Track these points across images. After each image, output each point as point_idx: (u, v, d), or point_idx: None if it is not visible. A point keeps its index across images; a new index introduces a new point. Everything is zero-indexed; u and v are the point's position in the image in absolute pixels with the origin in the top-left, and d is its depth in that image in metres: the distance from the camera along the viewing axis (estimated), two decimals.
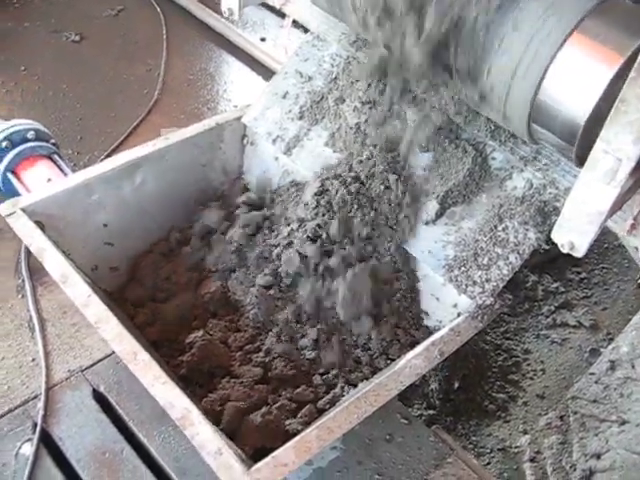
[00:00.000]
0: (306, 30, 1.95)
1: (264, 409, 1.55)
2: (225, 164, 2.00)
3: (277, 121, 1.92)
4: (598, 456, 2.19)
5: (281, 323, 1.68)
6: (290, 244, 1.71)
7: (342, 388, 1.60)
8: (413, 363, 1.46)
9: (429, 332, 1.69)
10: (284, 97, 1.93)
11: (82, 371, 1.98)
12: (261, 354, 1.66)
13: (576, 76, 1.29)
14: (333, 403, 1.57)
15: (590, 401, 2.32)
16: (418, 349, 1.51)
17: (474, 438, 2.15)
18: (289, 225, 1.74)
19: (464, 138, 1.69)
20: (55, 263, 1.58)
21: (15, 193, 2.27)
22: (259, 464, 1.27)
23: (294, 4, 1.89)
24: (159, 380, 1.37)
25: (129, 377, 1.99)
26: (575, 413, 2.30)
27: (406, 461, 1.70)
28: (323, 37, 1.91)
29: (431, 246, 1.68)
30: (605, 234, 2.44)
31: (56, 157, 2.34)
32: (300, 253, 1.70)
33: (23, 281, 2.28)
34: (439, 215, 1.68)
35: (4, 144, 2.27)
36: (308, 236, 1.69)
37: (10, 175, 2.27)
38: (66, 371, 1.98)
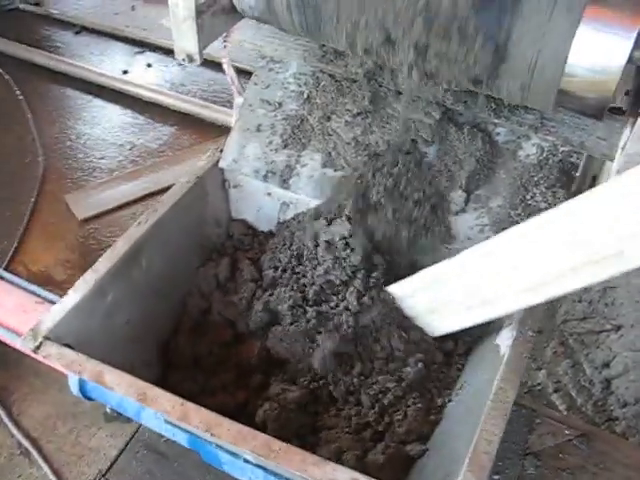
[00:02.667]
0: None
1: (380, 446, 1.52)
2: (215, 215, 1.89)
3: (260, 157, 1.83)
4: (607, 365, 2.36)
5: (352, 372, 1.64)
6: (332, 289, 1.67)
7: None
8: (519, 349, 1.49)
9: None
10: (258, 130, 1.84)
11: (103, 475, 1.90)
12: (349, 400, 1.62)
13: (602, 39, 1.34)
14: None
15: (580, 319, 2.49)
16: (511, 333, 1.53)
17: None
18: (320, 264, 1.69)
19: (464, 122, 1.71)
20: (122, 381, 1.43)
21: None
22: None
23: (239, 32, 1.79)
24: (308, 462, 1.30)
25: (156, 465, 1.92)
26: (571, 335, 2.46)
27: (505, 436, 1.75)
28: (278, 59, 1.83)
29: (468, 233, 1.70)
30: None
31: None
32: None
33: None
34: (467, 202, 1.70)
35: None
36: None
37: None
38: None
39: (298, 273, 1.73)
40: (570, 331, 2.47)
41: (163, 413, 1.41)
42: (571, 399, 2.30)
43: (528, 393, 2.29)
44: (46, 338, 1.49)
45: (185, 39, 1.64)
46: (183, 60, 1.68)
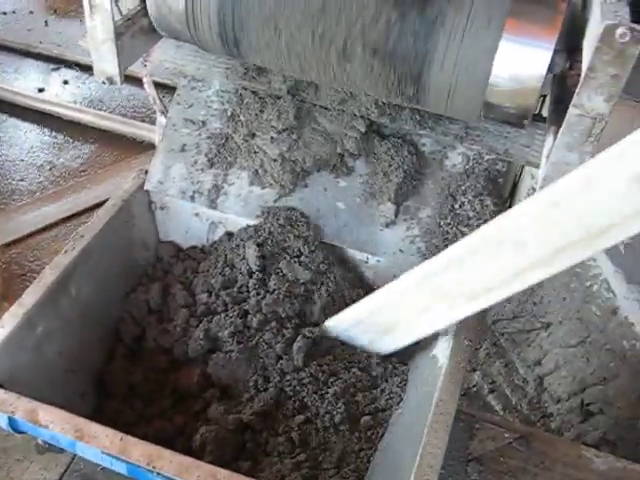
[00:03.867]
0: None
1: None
2: (143, 238, 1.85)
3: (186, 177, 1.80)
4: (539, 362, 2.41)
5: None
6: (271, 318, 1.65)
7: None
8: (457, 359, 1.51)
9: None
10: (183, 150, 1.82)
11: None
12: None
13: (523, 51, 1.37)
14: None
15: (510, 319, 2.53)
16: (448, 343, 1.55)
17: None
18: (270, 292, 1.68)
19: (390, 134, 1.72)
20: (58, 419, 1.38)
21: None
22: None
23: (159, 51, 1.76)
24: None
25: None
26: (502, 334, 2.51)
27: None
28: (200, 77, 1.81)
29: (400, 245, 1.71)
30: None
31: None
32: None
33: None
34: (396, 214, 1.71)
35: None
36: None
37: None
38: None
39: (235, 298, 1.71)
40: (501, 331, 2.52)
41: (102, 449, 1.36)
42: (507, 399, 2.34)
43: (465, 396, 2.32)
44: None
45: (105, 61, 1.60)
46: (103, 83, 1.63)
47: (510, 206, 1.91)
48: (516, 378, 2.40)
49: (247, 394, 1.60)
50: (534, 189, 2.29)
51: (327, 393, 1.60)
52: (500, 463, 1.77)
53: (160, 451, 1.33)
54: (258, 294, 1.67)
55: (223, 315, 1.67)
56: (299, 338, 1.61)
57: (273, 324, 1.64)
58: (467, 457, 1.76)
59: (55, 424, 1.38)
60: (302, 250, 1.70)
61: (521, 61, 1.37)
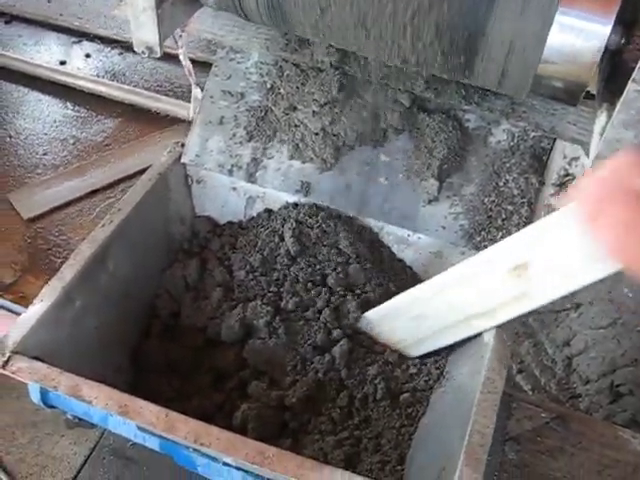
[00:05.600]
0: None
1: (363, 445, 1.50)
2: (179, 212, 1.82)
3: (224, 150, 1.77)
4: (568, 343, 2.39)
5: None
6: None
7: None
8: (501, 336, 1.50)
9: None
10: (221, 123, 1.78)
11: None
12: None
13: (580, 25, 1.33)
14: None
15: None
16: None
17: None
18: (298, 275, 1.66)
19: (434, 109, 1.69)
20: (100, 394, 1.36)
21: None
22: None
23: (197, 21, 1.72)
24: (305, 466, 1.26)
25: (125, 471, 1.87)
26: (531, 314, 2.48)
27: None
28: (239, 49, 1.77)
29: (442, 222, 1.68)
30: None
31: None
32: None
33: None
34: (439, 190, 1.68)
35: None
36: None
37: None
38: None
39: (273, 281, 1.69)
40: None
41: (148, 425, 1.34)
42: (535, 379, 2.32)
43: None
44: (15, 352, 1.41)
45: (144, 30, 1.56)
46: (142, 53, 1.60)
47: None
48: (545, 358, 2.38)
49: (288, 378, 1.58)
50: (566, 169, 2.26)
51: (367, 371, 1.59)
52: (537, 443, 1.76)
53: (208, 428, 1.31)
54: (297, 277, 1.65)
55: (259, 302, 1.64)
56: (343, 342, 1.59)
57: (310, 311, 1.63)
58: (504, 436, 1.75)
59: (99, 400, 1.35)
60: (342, 234, 1.68)
61: (577, 35, 1.33)
